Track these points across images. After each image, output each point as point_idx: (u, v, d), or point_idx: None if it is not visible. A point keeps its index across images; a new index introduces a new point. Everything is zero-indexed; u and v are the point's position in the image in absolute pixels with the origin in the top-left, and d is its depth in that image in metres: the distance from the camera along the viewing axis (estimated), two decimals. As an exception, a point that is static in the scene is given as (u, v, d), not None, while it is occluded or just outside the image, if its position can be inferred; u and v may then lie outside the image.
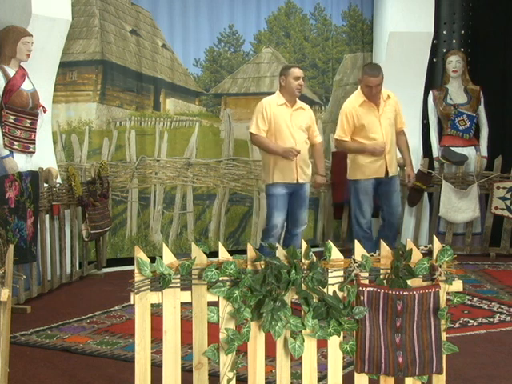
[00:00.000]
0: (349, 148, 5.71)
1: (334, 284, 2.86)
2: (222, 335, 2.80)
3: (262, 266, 2.80)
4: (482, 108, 7.01)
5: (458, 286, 2.93)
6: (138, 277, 2.78)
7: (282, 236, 5.92)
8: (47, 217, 5.43)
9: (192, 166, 6.80)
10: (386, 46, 6.91)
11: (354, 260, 2.86)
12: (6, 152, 5.13)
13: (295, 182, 5.46)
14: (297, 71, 5.43)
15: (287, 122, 5.44)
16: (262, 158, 5.67)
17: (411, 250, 2.89)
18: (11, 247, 2.94)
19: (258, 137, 5.44)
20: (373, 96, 5.57)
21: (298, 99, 5.56)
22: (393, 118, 5.71)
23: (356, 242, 2.91)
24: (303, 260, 2.83)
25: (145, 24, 6.59)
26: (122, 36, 6.48)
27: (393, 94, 5.79)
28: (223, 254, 2.83)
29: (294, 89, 5.41)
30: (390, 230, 5.84)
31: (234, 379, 2.84)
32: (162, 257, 2.79)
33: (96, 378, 3.59)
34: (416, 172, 6.76)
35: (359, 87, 5.73)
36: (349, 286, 2.85)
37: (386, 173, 5.67)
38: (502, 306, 4.92)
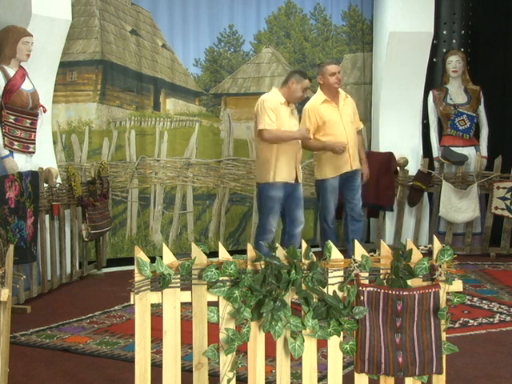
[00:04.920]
0: (310, 146, 5.84)
1: (334, 284, 2.86)
2: (222, 335, 2.80)
3: (262, 266, 2.80)
4: (482, 108, 7.01)
5: (458, 286, 2.93)
6: (137, 277, 2.78)
7: (280, 237, 5.92)
8: (47, 217, 5.43)
9: (192, 165, 6.80)
10: (386, 46, 6.91)
11: (354, 260, 2.86)
12: (6, 152, 5.13)
13: (293, 181, 5.50)
14: (307, 83, 5.47)
15: (287, 120, 5.47)
16: (260, 155, 5.54)
17: (411, 250, 2.89)
18: (11, 247, 2.94)
19: (272, 131, 5.35)
20: (337, 85, 5.79)
21: None
22: (352, 115, 5.94)
23: (356, 241, 2.91)
24: (303, 260, 2.83)
25: (145, 24, 6.59)
26: (122, 36, 6.48)
27: (349, 95, 6.04)
28: (223, 254, 2.83)
29: (296, 98, 5.50)
30: (354, 224, 6.00)
31: (234, 379, 2.84)
32: (161, 257, 2.79)
33: (96, 378, 3.59)
34: (416, 172, 6.79)
35: (319, 88, 5.92)
36: (349, 286, 2.85)
37: (351, 166, 5.86)
38: (502, 306, 4.92)
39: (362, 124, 6.19)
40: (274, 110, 5.38)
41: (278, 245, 2.86)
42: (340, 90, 5.91)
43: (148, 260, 2.79)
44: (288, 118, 5.48)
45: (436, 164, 7.02)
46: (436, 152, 7.03)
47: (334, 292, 2.85)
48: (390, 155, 6.73)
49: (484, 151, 6.99)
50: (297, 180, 5.53)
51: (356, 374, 2.91)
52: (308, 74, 5.79)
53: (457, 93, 7.01)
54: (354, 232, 5.95)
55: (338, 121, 5.80)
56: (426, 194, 6.97)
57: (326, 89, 5.83)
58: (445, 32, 7.30)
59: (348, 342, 2.88)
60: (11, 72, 5.18)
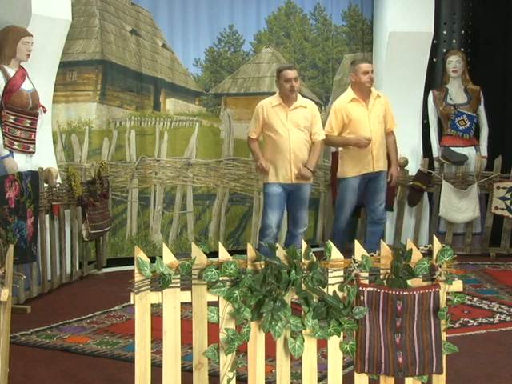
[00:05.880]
0: (334, 142, 5.89)
1: (334, 284, 2.86)
2: (222, 335, 2.80)
3: (262, 266, 2.80)
4: (481, 108, 7.01)
5: (458, 286, 2.93)
6: (138, 277, 2.78)
7: (283, 236, 5.94)
8: (47, 217, 5.42)
9: (192, 165, 6.80)
10: (386, 46, 6.91)
11: (354, 260, 2.86)
12: (6, 152, 5.13)
13: (290, 182, 5.47)
14: (287, 73, 5.41)
15: (283, 122, 5.45)
16: None
17: (411, 250, 2.89)
18: (11, 247, 2.94)
19: (249, 140, 5.63)
20: (369, 84, 5.74)
21: (300, 97, 5.60)
22: (382, 116, 5.87)
23: (356, 242, 2.91)
24: (303, 260, 2.83)
25: (145, 24, 6.59)
26: (122, 36, 6.48)
27: (384, 94, 5.97)
28: (223, 254, 2.83)
29: (287, 91, 5.44)
30: (373, 226, 5.98)
31: (234, 379, 2.84)
32: (161, 257, 2.79)
33: (96, 378, 3.59)
34: (416, 172, 6.79)
35: (349, 86, 5.90)
36: (349, 286, 2.85)
37: (373, 168, 5.82)
38: (502, 306, 4.92)
39: (395, 125, 6.02)
40: (258, 119, 5.50)
41: (278, 245, 2.86)
42: (372, 88, 5.84)
43: (148, 260, 2.79)
44: (283, 118, 5.45)
45: (436, 164, 7.02)
46: (436, 152, 7.03)
47: (334, 292, 2.85)
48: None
49: (484, 151, 6.99)
50: (292, 180, 5.47)
51: (356, 374, 2.91)
52: (289, 65, 5.79)
53: (457, 93, 7.01)
54: (373, 233, 5.92)
55: (364, 120, 5.74)
56: (425, 193, 6.97)
57: (357, 87, 5.78)
58: (445, 32, 7.30)
59: (348, 342, 2.88)
60: (11, 72, 5.18)
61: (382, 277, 2.88)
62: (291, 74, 5.42)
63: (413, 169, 6.87)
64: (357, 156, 5.73)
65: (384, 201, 6.01)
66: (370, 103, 5.79)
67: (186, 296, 2.82)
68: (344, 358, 2.94)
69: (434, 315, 2.88)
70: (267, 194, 5.54)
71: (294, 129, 5.48)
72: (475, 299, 5.09)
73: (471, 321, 4.57)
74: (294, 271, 2.78)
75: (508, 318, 4.65)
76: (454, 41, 7.32)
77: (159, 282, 2.77)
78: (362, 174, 5.79)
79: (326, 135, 5.77)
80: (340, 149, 5.96)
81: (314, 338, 2.85)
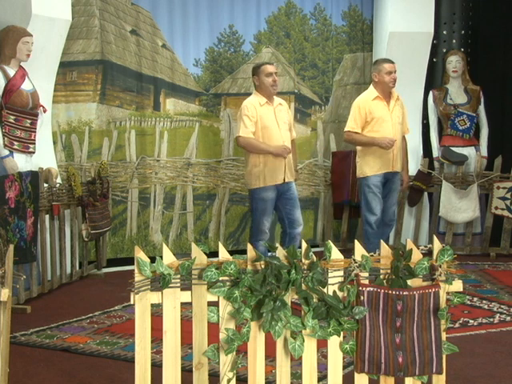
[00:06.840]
0: (359, 140, 5.73)
1: (333, 284, 2.86)
2: (222, 335, 2.80)
3: (262, 266, 2.80)
4: (482, 108, 7.01)
5: (458, 286, 2.92)
6: (138, 277, 2.78)
7: (281, 238, 5.89)
8: (47, 217, 5.43)
9: (192, 166, 6.80)
10: (386, 46, 6.91)
11: (354, 260, 2.86)
12: (6, 152, 5.13)
13: (283, 181, 5.38)
14: (268, 68, 5.33)
15: (273, 121, 5.37)
16: (249, 161, 5.42)
17: (411, 250, 2.89)
18: (11, 247, 2.94)
19: (247, 139, 5.30)
20: (392, 84, 5.66)
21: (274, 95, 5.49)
22: (401, 117, 5.81)
23: (356, 241, 2.91)
24: (303, 260, 2.83)
25: (145, 24, 6.59)
26: (122, 36, 6.48)
27: (402, 98, 5.89)
28: (223, 254, 2.83)
29: (269, 86, 5.33)
30: (380, 227, 5.86)
31: (234, 379, 2.84)
32: (161, 257, 2.79)
33: (96, 378, 3.59)
34: (416, 172, 6.79)
35: (371, 85, 5.82)
36: (349, 286, 2.85)
37: (392, 167, 5.74)
38: (502, 306, 4.92)
39: (408, 130, 5.99)
40: (251, 117, 5.27)
41: (278, 245, 2.86)
42: (393, 90, 5.75)
43: (148, 260, 2.79)
44: (272, 117, 5.36)
45: (436, 164, 7.02)
46: (436, 152, 7.03)
47: (334, 292, 2.85)
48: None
49: (484, 151, 6.99)
50: (284, 180, 5.38)
51: (356, 374, 2.91)
52: (267, 61, 5.80)
53: (457, 93, 7.01)
54: (380, 234, 5.75)
55: (387, 119, 5.66)
56: (425, 193, 6.97)
57: (379, 87, 5.69)
58: (445, 32, 7.30)
59: (348, 341, 2.87)
60: (11, 72, 5.18)
61: (382, 277, 2.88)
62: (271, 68, 5.35)
63: (413, 169, 6.86)
64: (378, 154, 5.64)
65: (396, 202, 5.98)
66: (391, 104, 5.73)
67: (186, 296, 2.82)
68: (344, 357, 2.94)
69: (433, 315, 2.87)
70: (262, 200, 5.36)
71: (283, 127, 5.41)
72: (475, 299, 5.09)
73: (471, 321, 4.57)
74: (294, 271, 2.78)
75: (508, 318, 4.65)
76: (454, 41, 7.32)
77: (159, 282, 2.77)
78: (383, 172, 5.70)
79: (349, 131, 5.71)
80: (358, 148, 5.84)
81: (314, 337, 2.85)
